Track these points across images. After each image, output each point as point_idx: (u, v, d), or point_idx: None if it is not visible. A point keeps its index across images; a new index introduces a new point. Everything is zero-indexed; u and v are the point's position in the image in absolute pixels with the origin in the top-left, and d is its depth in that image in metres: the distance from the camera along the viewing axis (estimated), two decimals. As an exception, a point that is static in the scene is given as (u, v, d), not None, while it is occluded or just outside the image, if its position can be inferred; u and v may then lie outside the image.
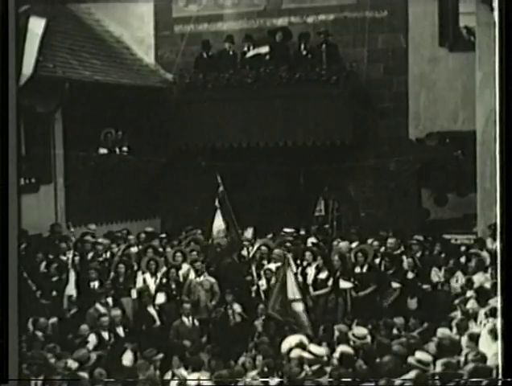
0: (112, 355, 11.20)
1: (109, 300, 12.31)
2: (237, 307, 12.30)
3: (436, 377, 9.93)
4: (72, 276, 12.56)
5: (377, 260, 12.70)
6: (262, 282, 12.68)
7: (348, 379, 10.13)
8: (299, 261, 12.86)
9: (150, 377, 10.63)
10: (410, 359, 10.08)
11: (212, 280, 12.70)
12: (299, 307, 12.00)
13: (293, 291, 12.01)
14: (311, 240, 13.82)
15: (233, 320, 12.24)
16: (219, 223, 13.03)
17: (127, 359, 11.09)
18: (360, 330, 11.04)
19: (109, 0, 14.57)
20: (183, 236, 13.96)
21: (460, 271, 12.45)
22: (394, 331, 11.40)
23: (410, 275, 12.50)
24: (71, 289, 12.45)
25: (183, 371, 10.76)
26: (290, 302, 11.99)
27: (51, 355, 10.83)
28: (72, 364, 10.54)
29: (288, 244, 13.31)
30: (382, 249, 12.97)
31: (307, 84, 14.27)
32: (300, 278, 12.64)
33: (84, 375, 10.46)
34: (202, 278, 12.72)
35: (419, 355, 10.15)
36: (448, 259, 12.78)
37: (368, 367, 10.39)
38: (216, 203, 13.00)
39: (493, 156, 10.35)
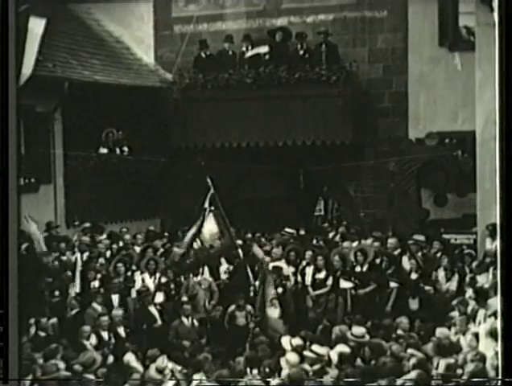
0: (114, 356, 11.22)
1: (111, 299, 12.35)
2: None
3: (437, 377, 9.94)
4: (77, 275, 12.59)
5: (377, 260, 12.70)
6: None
7: (349, 380, 10.13)
8: (298, 261, 12.90)
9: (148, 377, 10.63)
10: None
11: (210, 279, 12.70)
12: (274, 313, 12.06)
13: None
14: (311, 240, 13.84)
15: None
16: (211, 226, 12.91)
17: (128, 359, 11.11)
18: (358, 330, 11.05)
19: (109, 0, 14.58)
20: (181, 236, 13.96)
21: (459, 271, 12.48)
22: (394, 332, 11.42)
23: (413, 276, 12.50)
24: (75, 288, 12.48)
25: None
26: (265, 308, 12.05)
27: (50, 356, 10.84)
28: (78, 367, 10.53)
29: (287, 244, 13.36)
30: (382, 249, 12.97)
31: (307, 83, 14.29)
32: (299, 278, 12.67)
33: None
34: (200, 277, 12.72)
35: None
36: (448, 259, 12.79)
37: (367, 366, 10.40)
38: (206, 206, 12.85)
39: (493, 156, 10.35)
